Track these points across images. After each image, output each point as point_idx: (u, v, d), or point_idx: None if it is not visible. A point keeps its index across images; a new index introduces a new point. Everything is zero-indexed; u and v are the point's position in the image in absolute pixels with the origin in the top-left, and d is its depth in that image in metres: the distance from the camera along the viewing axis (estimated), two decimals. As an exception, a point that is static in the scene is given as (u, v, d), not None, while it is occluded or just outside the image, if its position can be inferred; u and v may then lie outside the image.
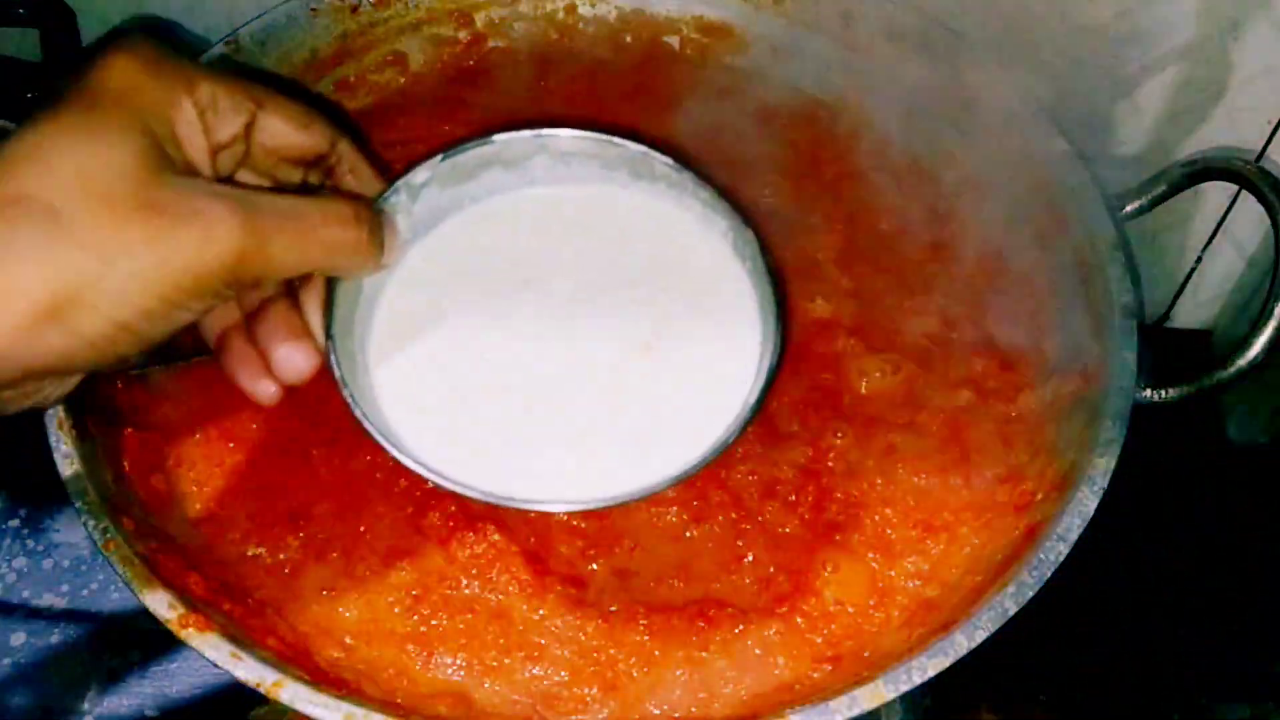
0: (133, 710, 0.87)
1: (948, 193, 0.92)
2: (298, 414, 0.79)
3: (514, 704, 0.70)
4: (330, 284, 0.63)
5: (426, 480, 0.63)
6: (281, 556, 0.74)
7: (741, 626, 0.72)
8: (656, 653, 0.71)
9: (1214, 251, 1.06)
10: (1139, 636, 0.95)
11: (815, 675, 0.71)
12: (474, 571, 0.73)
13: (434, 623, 0.72)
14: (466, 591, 0.73)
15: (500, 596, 0.73)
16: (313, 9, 0.93)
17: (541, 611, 0.72)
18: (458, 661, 0.71)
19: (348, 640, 0.72)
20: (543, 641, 0.72)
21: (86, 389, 0.73)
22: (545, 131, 0.67)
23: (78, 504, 0.69)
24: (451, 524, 0.74)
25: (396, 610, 0.72)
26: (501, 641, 0.71)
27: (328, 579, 0.73)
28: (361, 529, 0.75)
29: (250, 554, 0.74)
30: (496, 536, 0.74)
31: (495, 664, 0.71)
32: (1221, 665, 0.94)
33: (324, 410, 0.79)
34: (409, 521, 0.75)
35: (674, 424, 0.67)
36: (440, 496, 0.75)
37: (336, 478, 0.77)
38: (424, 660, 0.71)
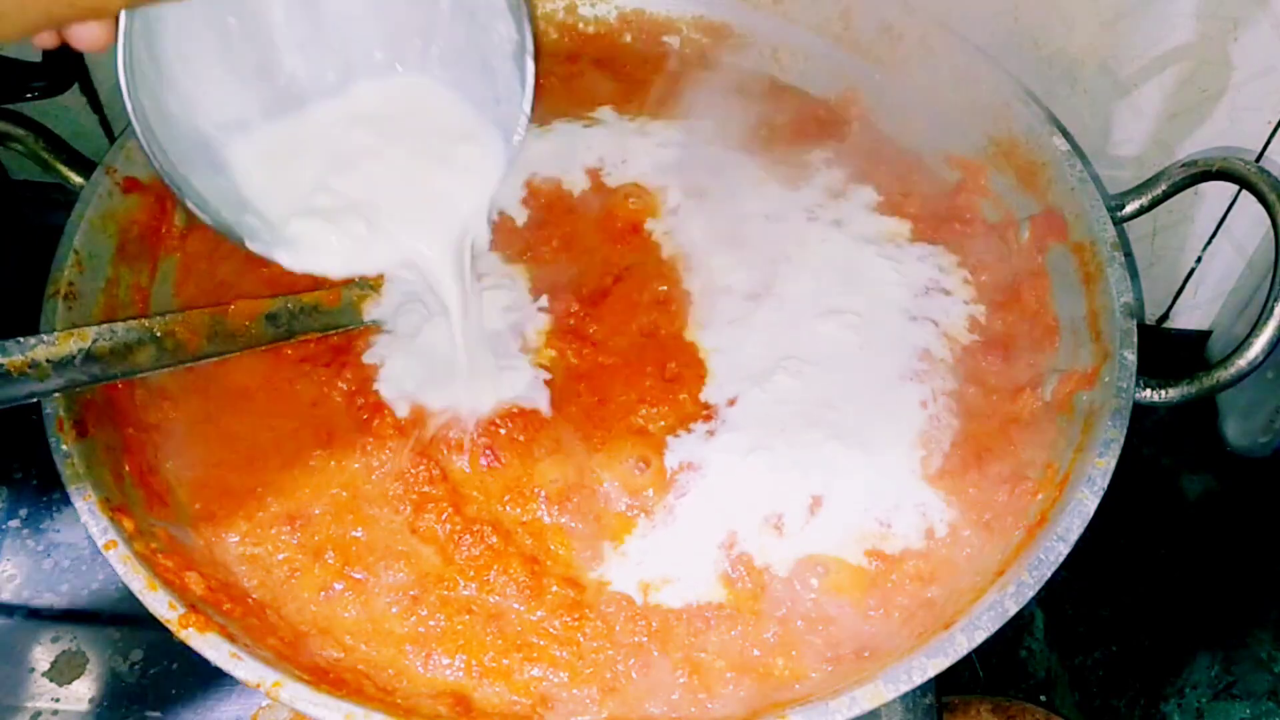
0: (133, 710, 0.87)
1: (947, 192, 0.92)
2: (296, 415, 0.79)
3: (513, 705, 0.70)
4: None
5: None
6: (280, 557, 0.74)
7: (741, 627, 0.72)
8: (655, 653, 0.71)
9: (1214, 251, 1.06)
10: (1139, 636, 0.95)
11: (815, 675, 0.71)
12: (471, 573, 0.73)
13: (432, 624, 0.72)
14: (464, 593, 0.73)
15: (498, 598, 0.73)
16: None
17: (540, 613, 0.72)
18: (456, 662, 0.71)
19: (347, 640, 0.72)
20: (541, 643, 0.72)
21: (86, 389, 0.73)
22: None
23: (78, 504, 0.69)
24: (448, 526, 0.74)
25: (394, 610, 0.72)
26: (500, 643, 0.71)
27: (326, 579, 0.73)
28: (359, 530, 0.75)
29: (250, 554, 0.74)
30: (494, 539, 0.74)
31: (494, 665, 0.71)
32: (1221, 665, 0.94)
33: (322, 412, 0.79)
34: (405, 523, 0.75)
35: None
36: (437, 500, 0.75)
37: (334, 479, 0.77)
38: (423, 661, 0.71)
